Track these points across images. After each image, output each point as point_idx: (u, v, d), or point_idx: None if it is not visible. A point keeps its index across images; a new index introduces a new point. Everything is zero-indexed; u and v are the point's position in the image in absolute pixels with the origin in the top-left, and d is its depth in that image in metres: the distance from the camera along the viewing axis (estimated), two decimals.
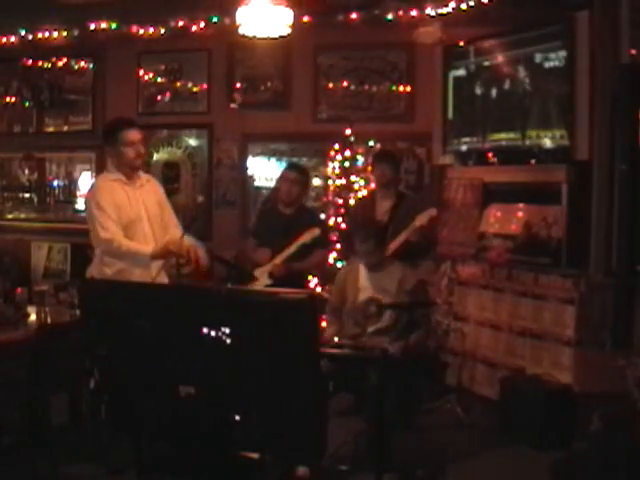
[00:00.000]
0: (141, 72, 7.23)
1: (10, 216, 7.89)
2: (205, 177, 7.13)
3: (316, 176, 6.78)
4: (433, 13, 5.74)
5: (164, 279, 4.08)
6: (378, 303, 4.30)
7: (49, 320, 3.96)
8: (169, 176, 7.14)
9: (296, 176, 5.07)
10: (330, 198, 6.07)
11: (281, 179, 5.20)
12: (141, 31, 6.54)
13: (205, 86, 7.07)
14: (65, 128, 7.57)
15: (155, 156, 7.25)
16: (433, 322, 5.07)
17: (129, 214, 3.96)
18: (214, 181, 7.09)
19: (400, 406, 3.93)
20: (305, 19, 5.90)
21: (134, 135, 3.99)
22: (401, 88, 6.51)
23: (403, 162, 6.38)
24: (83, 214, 7.45)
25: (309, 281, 5.51)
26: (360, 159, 6.03)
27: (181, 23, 6.42)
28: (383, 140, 6.30)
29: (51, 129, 7.65)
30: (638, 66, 4.47)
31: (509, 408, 4.66)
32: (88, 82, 7.43)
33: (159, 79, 7.21)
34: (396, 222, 5.07)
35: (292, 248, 4.83)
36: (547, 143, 5.18)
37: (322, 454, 2.04)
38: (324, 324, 5.17)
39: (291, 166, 5.37)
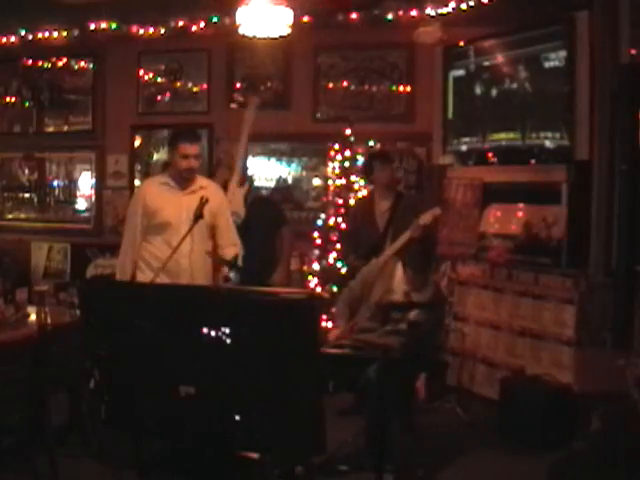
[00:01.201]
0: (141, 72, 7.23)
1: (10, 216, 7.88)
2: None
3: (316, 176, 6.78)
4: (433, 13, 5.74)
5: None
6: (406, 303, 4.26)
7: (49, 320, 3.95)
8: None
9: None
10: (330, 198, 6.06)
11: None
12: (141, 31, 6.55)
13: (205, 86, 7.07)
14: (65, 128, 7.57)
15: (155, 156, 7.25)
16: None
17: (166, 216, 4.14)
18: (214, 181, 7.08)
19: (400, 406, 3.92)
20: (305, 19, 5.91)
21: (189, 149, 4.18)
22: (401, 88, 6.51)
23: (403, 162, 6.40)
24: (83, 214, 7.59)
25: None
26: (360, 159, 6.03)
27: (181, 23, 6.42)
28: (383, 140, 6.30)
29: (51, 129, 7.64)
30: (638, 66, 4.47)
31: (509, 408, 4.66)
32: (88, 82, 7.43)
33: (159, 79, 7.20)
34: (396, 221, 5.07)
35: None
36: (547, 143, 5.18)
37: (322, 454, 2.04)
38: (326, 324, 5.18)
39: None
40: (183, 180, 4.25)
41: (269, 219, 5.13)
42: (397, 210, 5.16)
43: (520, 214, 5.35)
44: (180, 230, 4.06)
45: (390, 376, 3.57)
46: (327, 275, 5.71)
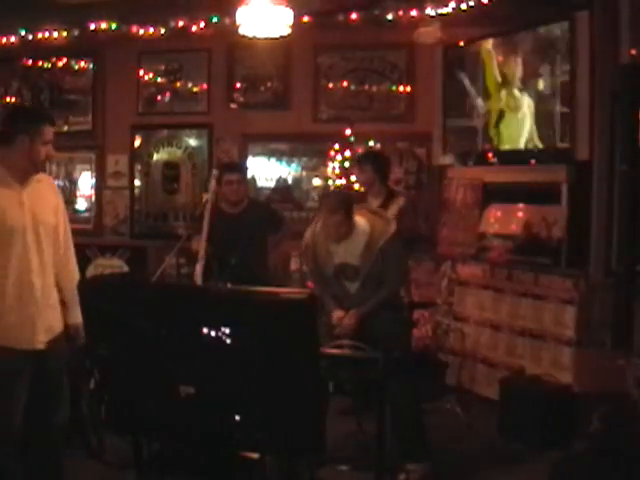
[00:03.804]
0: (141, 72, 7.23)
1: None
2: (205, 177, 7.11)
3: (316, 176, 6.78)
4: (433, 13, 5.74)
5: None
6: (353, 268, 4.11)
7: None
8: (169, 176, 7.15)
9: (238, 177, 5.04)
10: None
11: (223, 183, 4.98)
12: (141, 31, 6.54)
13: (205, 86, 7.07)
14: (65, 128, 7.55)
15: (155, 156, 7.25)
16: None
17: (12, 222, 3.14)
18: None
19: (402, 405, 3.92)
20: (305, 19, 5.90)
21: (51, 134, 3.46)
22: (401, 88, 6.52)
23: (403, 162, 6.40)
24: (83, 214, 7.58)
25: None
26: None
27: (181, 23, 6.41)
28: (383, 140, 6.30)
29: None
30: (638, 66, 4.46)
31: (509, 408, 4.66)
32: (88, 82, 7.42)
33: (159, 79, 7.20)
34: None
35: None
36: (547, 143, 5.18)
37: (322, 454, 2.04)
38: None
39: (230, 168, 5.22)
40: (26, 174, 3.26)
41: (264, 229, 5.01)
42: (387, 209, 5.10)
43: (520, 214, 5.35)
44: (27, 238, 3.16)
45: (393, 376, 3.57)
46: None
